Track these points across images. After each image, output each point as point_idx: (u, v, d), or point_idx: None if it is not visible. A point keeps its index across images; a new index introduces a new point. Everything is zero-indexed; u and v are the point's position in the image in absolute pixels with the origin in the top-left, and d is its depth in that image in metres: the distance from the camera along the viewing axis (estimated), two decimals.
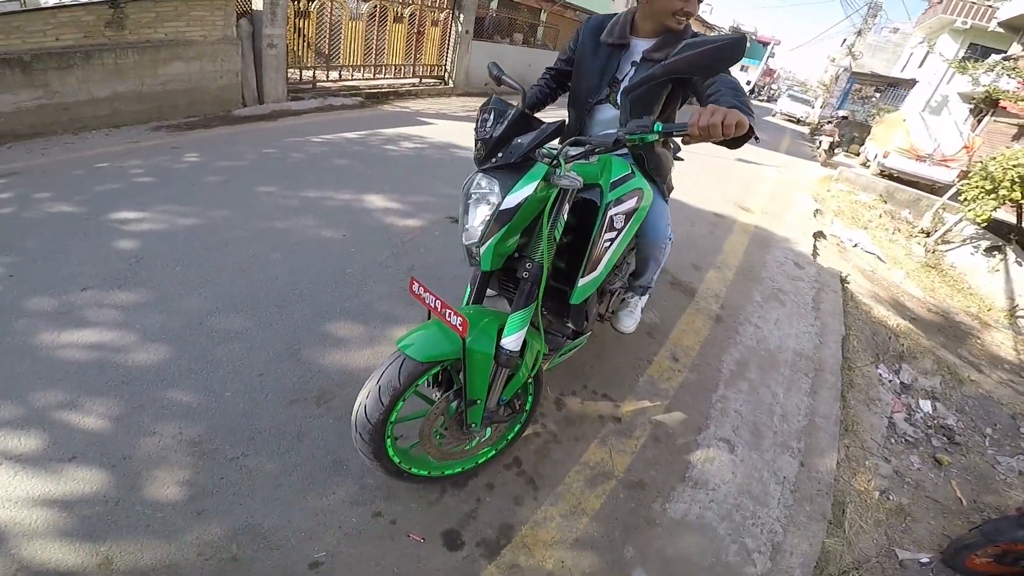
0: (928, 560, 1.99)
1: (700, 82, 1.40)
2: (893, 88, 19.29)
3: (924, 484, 2.54)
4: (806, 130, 21.22)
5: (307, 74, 6.66)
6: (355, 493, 1.50)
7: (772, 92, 57.86)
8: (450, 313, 1.17)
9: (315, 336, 2.07)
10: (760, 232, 4.96)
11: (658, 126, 1.09)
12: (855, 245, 5.82)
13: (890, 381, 3.53)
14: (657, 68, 1.09)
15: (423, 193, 3.83)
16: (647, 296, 2.13)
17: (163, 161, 3.66)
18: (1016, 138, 10.94)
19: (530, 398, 1.59)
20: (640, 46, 1.64)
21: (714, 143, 1.07)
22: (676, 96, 1.64)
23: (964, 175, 9.72)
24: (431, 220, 3.38)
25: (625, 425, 2.04)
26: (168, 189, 3.16)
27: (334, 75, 7.08)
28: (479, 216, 1.27)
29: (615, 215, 1.44)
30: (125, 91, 4.64)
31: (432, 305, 1.21)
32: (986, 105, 10.66)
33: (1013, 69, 9.13)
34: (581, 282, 1.46)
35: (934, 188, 9.30)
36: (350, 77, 7.36)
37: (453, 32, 8.60)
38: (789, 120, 24.00)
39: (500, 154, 1.27)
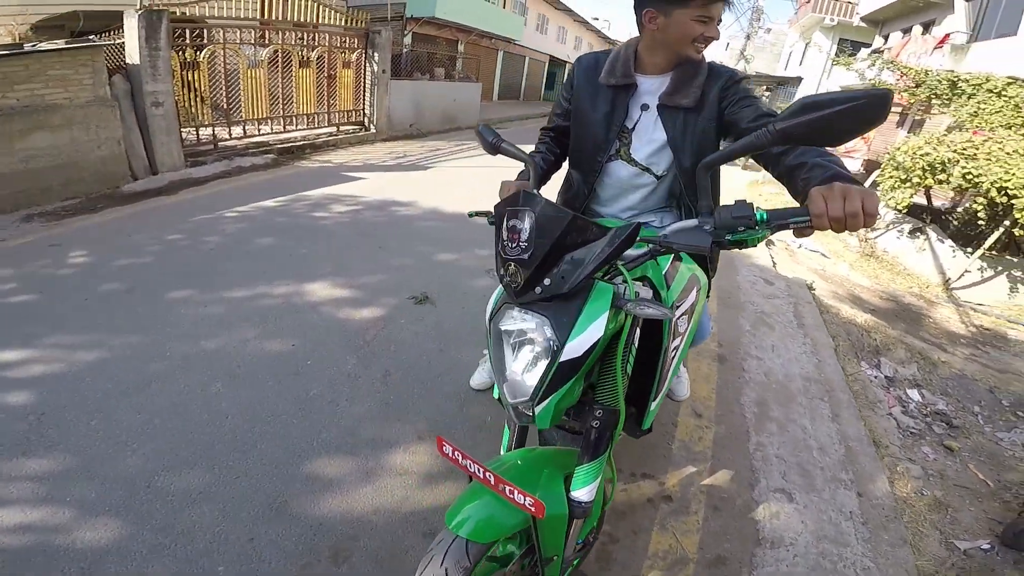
0: (989, 545, 2.07)
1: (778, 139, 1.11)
2: (782, 87, 21.34)
3: (947, 473, 2.61)
4: None
5: (206, 133, 6.08)
6: None
7: None
8: (515, 492, 0.88)
9: (297, 482, 1.70)
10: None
11: (762, 215, 0.84)
12: (799, 246, 6.14)
13: (875, 377, 3.65)
14: (757, 138, 0.80)
15: (373, 270, 3.39)
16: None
17: (42, 267, 2.99)
18: (899, 125, 12.36)
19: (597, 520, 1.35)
20: (651, 86, 1.40)
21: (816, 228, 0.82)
22: (716, 143, 1.40)
23: (869, 163, 10.78)
24: (392, 305, 2.96)
25: (678, 502, 1.87)
26: (56, 309, 2.54)
27: (238, 131, 6.53)
28: (528, 366, 0.94)
29: (679, 318, 1.21)
30: None
31: (481, 476, 0.92)
32: None
33: (892, 63, 10.29)
34: (653, 405, 1.23)
35: None
36: (256, 132, 6.84)
37: (368, 73, 8.35)
38: None
39: (547, 280, 0.91)
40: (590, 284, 0.92)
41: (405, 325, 2.75)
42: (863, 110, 0.71)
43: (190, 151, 5.73)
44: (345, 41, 7.92)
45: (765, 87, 22.14)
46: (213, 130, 6.16)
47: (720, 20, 1.30)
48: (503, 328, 0.97)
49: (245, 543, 1.46)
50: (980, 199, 5.77)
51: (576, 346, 0.89)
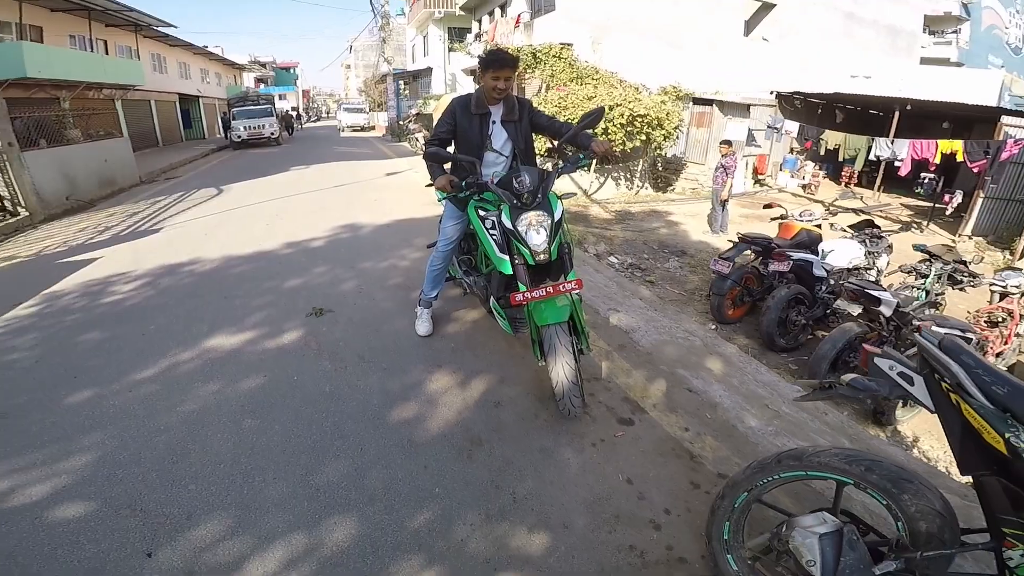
0: (714, 326, 4.37)
1: (560, 130, 2.77)
2: (418, 79, 24.76)
3: (659, 294, 4.95)
4: (377, 134, 25.05)
5: None
6: None
7: (321, 111, 62.66)
8: (562, 285, 2.27)
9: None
10: None
11: (580, 156, 2.51)
12: None
13: (592, 256, 6.02)
14: (549, 128, 2.66)
15: (252, 309, 3.77)
16: None
17: None
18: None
19: None
20: (495, 112, 2.73)
21: (598, 158, 2.52)
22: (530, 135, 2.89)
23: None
24: (301, 318, 3.58)
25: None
26: None
27: None
28: (542, 234, 2.27)
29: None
30: None
31: (549, 291, 2.27)
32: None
33: (491, 44, 13.99)
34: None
35: None
36: None
37: None
38: (354, 131, 27.31)
39: (539, 197, 2.34)
40: (549, 195, 2.37)
41: (327, 327, 3.44)
42: (597, 114, 2.42)
43: None
44: None
45: (404, 82, 25.26)
46: None
47: (508, 80, 2.72)
48: (530, 218, 2.28)
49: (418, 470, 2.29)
50: None
51: (556, 216, 2.31)
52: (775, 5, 15.21)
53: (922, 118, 10.98)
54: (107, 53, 16.74)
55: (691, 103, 12.41)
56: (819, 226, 5.42)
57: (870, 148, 10.13)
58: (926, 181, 9.50)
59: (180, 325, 3.54)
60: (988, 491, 1.12)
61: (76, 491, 2.04)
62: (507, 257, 2.40)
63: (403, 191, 8.82)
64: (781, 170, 13.07)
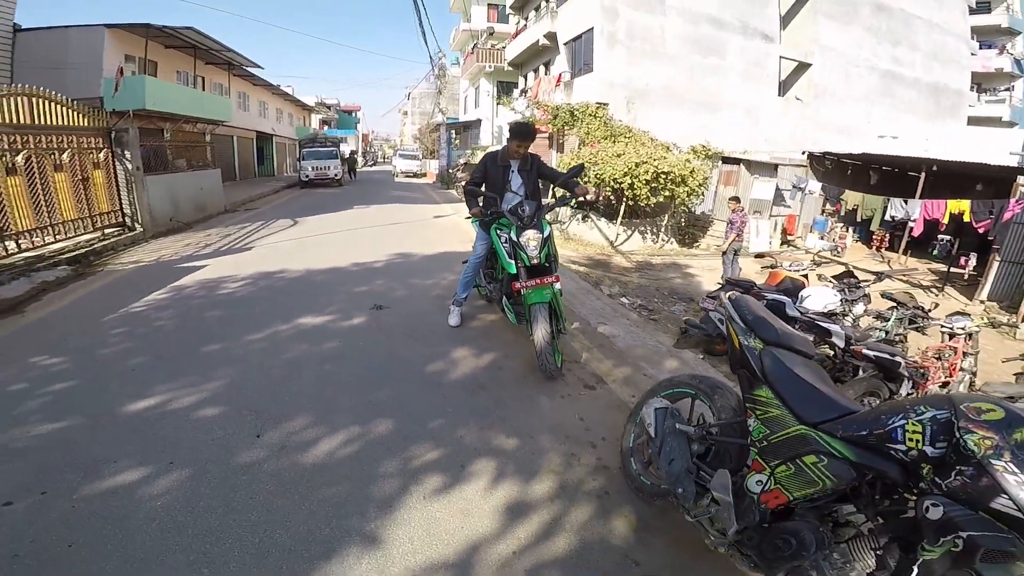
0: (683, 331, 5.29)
1: (555, 176, 3.98)
2: (468, 130, 27.21)
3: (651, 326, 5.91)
4: (428, 180, 27.17)
5: None
6: None
7: (377, 156, 66.38)
8: (547, 279, 3.38)
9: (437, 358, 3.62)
10: None
11: (566, 196, 3.79)
12: None
13: (608, 294, 7.05)
14: (549, 176, 3.91)
15: (332, 302, 5.08)
16: None
17: (77, 351, 3.63)
18: (551, 147, 18.14)
19: None
20: (514, 165, 4.00)
21: (580, 201, 3.68)
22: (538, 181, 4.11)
23: None
24: (365, 310, 4.82)
25: (574, 337, 4.43)
26: (164, 365, 3.49)
27: (3, 247, 6.23)
28: (534, 244, 3.42)
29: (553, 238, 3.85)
30: None
31: (537, 282, 3.38)
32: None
33: (535, 102, 15.63)
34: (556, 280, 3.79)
35: None
36: (31, 245, 6.65)
37: (121, 171, 8.56)
38: (408, 176, 29.33)
39: (536, 219, 3.51)
40: (542, 220, 3.56)
41: (384, 316, 4.71)
42: (579, 168, 3.76)
43: None
44: (91, 141, 8.06)
45: (455, 132, 27.69)
46: None
47: (524, 146, 3.95)
48: (528, 234, 3.46)
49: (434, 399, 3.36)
50: (608, 189, 10.35)
51: (546, 234, 3.53)
52: (810, 65, 16.29)
53: (960, 178, 10.93)
54: (203, 89, 18.93)
55: (720, 162, 13.49)
56: (805, 276, 6.29)
57: (886, 208, 10.78)
58: (942, 243, 10.01)
59: (278, 309, 4.86)
60: (741, 380, 2.07)
61: (212, 400, 3.19)
62: (513, 261, 3.55)
63: (447, 231, 10.25)
64: (811, 231, 13.74)
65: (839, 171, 13.22)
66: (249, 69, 21.21)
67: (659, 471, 2.12)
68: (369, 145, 66.61)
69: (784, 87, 16.69)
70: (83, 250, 7.15)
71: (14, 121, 6.56)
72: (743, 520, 1.73)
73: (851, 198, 12.12)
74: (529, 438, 2.88)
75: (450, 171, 22.73)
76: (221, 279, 5.97)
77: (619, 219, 10.87)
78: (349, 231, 9.94)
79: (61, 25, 14.03)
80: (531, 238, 3.46)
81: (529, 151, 4.06)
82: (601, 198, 11.14)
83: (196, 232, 9.63)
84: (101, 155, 8.28)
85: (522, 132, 3.87)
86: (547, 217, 3.75)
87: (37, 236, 6.85)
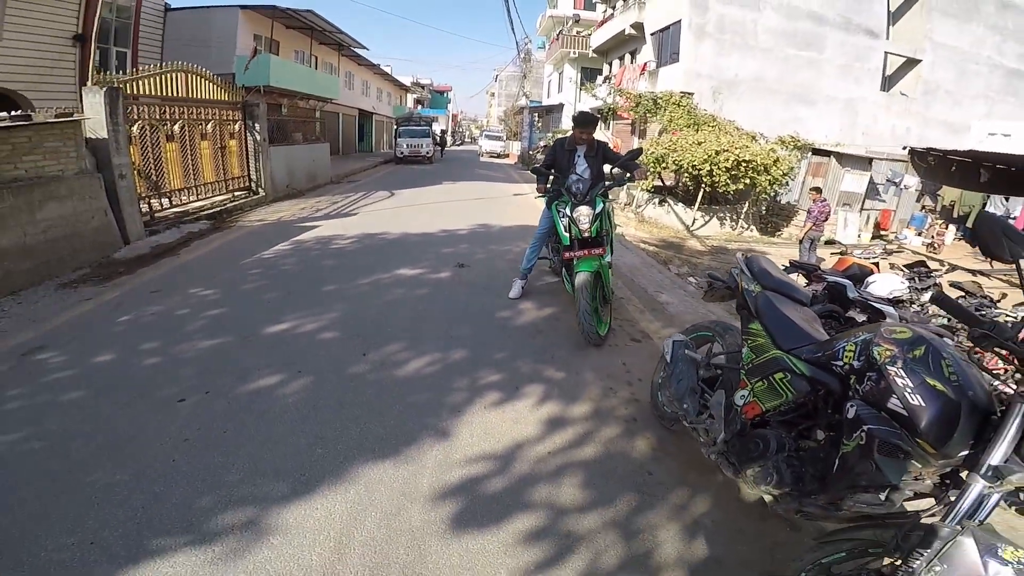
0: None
1: (616, 159, 4.38)
2: (550, 113, 27.53)
3: None
4: (510, 161, 27.85)
5: (146, 204, 6.95)
6: None
7: (464, 136, 67.90)
8: (593, 251, 3.91)
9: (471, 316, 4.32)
10: None
11: (624, 176, 4.21)
12: None
13: (675, 273, 7.37)
14: (613, 160, 4.27)
15: (424, 259, 5.95)
16: None
17: (156, 319, 4.67)
18: (632, 133, 18.10)
19: None
20: (580, 150, 4.44)
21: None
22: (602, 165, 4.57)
23: None
24: (451, 267, 5.61)
25: (623, 307, 4.93)
26: (293, 300, 4.52)
27: (165, 202, 7.56)
28: (585, 218, 3.86)
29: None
30: (9, 245, 4.26)
31: (585, 253, 3.93)
32: (609, 114, 17.31)
33: (618, 89, 15.68)
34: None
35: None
36: (180, 202, 8.00)
37: (250, 142, 9.96)
38: (492, 157, 30.24)
39: (588, 196, 3.99)
40: (596, 197, 4.01)
41: (465, 273, 5.50)
42: (637, 151, 4.20)
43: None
44: (229, 113, 9.46)
45: (538, 115, 28.12)
46: (149, 202, 7.14)
47: (588, 133, 4.42)
48: (581, 210, 3.92)
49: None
50: (687, 175, 10.46)
51: (598, 210, 3.94)
52: (919, 61, 15.10)
53: None
54: (316, 68, 20.54)
55: (810, 153, 12.99)
56: (876, 263, 6.26)
57: (984, 205, 10.05)
58: None
59: (380, 262, 5.81)
60: (742, 318, 2.48)
61: (329, 327, 4.03)
62: (568, 234, 4.02)
63: (524, 208, 10.89)
64: (908, 227, 12.95)
65: (943, 168, 12.33)
66: (356, 50, 22.66)
67: (672, 392, 2.62)
68: (458, 125, 68.37)
69: (889, 82, 15.58)
70: (217, 209, 8.55)
71: (172, 94, 7.96)
72: (729, 430, 2.20)
73: (947, 194, 11.29)
74: (575, 374, 3.46)
75: (531, 152, 23.31)
76: (332, 236, 7.04)
77: (696, 204, 10.94)
78: (438, 203, 10.94)
79: (203, 6, 15.82)
80: (583, 213, 3.88)
81: (596, 138, 4.52)
82: (680, 184, 11.24)
83: (308, 199, 10.97)
84: (236, 126, 9.70)
85: (584, 121, 4.33)
86: (611, 196, 4.18)
87: (185, 195, 8.25)
